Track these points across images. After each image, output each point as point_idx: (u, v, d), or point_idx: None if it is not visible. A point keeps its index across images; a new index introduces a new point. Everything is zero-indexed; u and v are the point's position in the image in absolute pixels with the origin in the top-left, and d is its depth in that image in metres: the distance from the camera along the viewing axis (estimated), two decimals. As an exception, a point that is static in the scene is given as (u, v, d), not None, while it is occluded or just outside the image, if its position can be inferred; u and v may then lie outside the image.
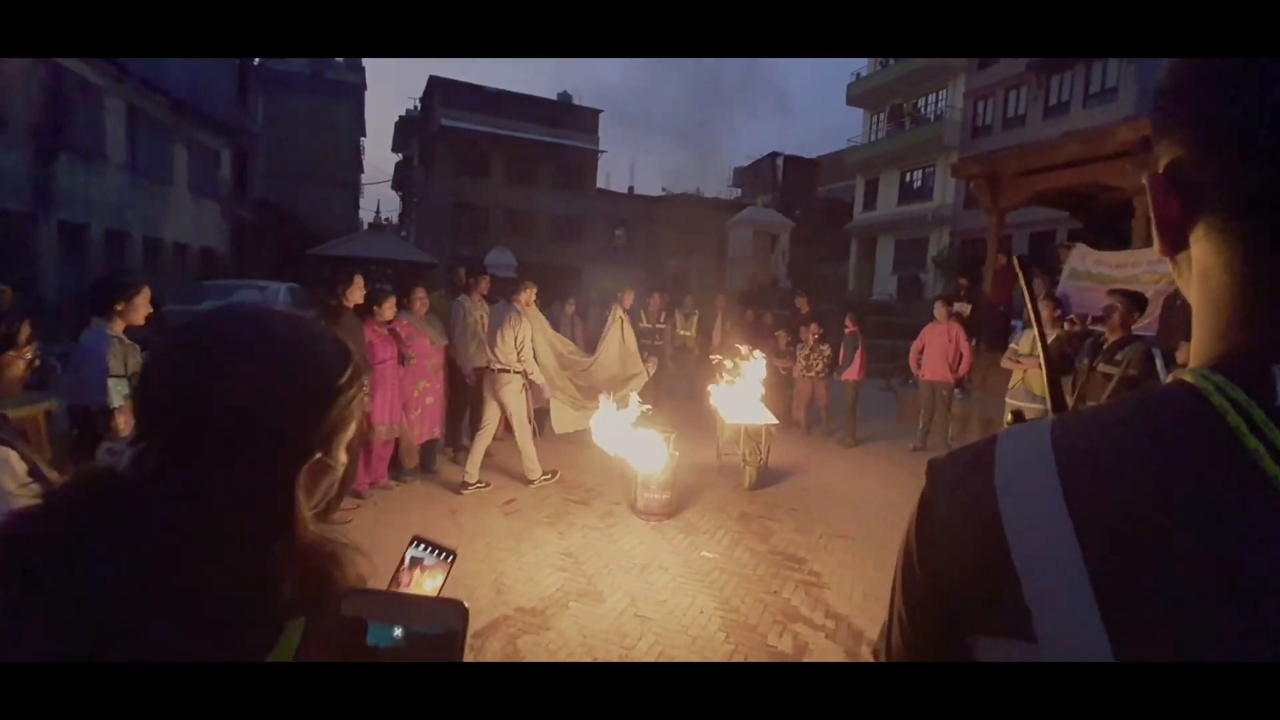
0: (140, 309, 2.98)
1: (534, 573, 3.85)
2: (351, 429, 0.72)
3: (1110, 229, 9.44)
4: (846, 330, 7.75)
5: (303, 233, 22.20)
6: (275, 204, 23.07)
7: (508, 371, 5.22)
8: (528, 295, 5.45)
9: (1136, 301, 3.83)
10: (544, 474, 5.48)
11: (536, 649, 3.08)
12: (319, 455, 0.66)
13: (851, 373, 7.59)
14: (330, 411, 0.66)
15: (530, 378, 5.34)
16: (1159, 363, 3.54)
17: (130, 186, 14.47)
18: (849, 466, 6.72)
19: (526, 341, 5.27)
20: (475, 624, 3.26)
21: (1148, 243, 7.46)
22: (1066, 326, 4.01)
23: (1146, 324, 6.91)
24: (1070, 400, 3.80)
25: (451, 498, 5.05)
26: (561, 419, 5.95)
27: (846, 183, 28.33)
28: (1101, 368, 3.66)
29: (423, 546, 0.79)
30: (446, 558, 0.80)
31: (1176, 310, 6.39)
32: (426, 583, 0.77)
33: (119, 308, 2.96)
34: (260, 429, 0.61)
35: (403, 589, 0.75)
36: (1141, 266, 7.16)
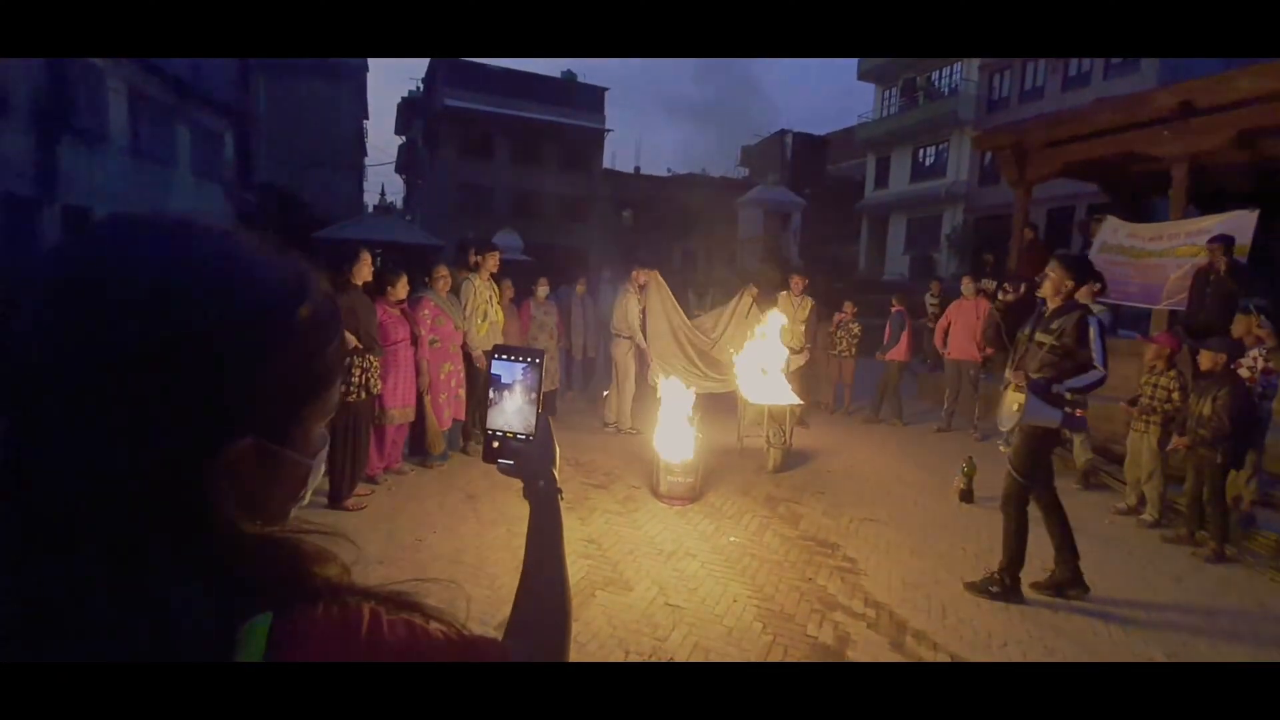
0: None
1: (557, 560, 3.68)
2: (327, 399, 0.51)
3: (1139, 202, 9.12)
4: (893, 309, 7.58)
5: (307, 216, 21.97)
6: (279, 187, 22.82)
7: (619, 336, 6.54)
8: (639, 276, 6.59)
9: (1077, 268, 3.54)
10: (631, 428, 6.53)
11: (564, 641, 2.92)
12: (247, 440, 0.45)
13: (897, 353, 7.42)
14: (263, 367, 0.45)
15: (638, 343, 6.49)
16: (1093, 331, 3.31)
17: (133, 169, 14.26)
18: (873, 448, 6.53)
19: (633, 312, 6.45)
20: (499, 617, 3.10)
21: (1183, 215, 7.22)
22: (1001, 296, 3.75)
23: (1179, 299, 6.67)
24: (1009, 373, 3.61)
25: (469, 483, 4.89)
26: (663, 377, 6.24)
27: (857, 160, 27.81)
28: (1038, 336, 3.48)
29: (503, 358, 0.91)
30: (533, 360, 0.91)
31: (1209, 285, 6.15)
32: (504, 403, 0.90)
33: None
34: (71, 385, 0.41)
35: (491, 406, 0.90)
36: (1178, 239, 6.89)
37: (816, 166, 31.25)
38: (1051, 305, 3.51)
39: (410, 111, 34.90)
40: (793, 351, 6.83)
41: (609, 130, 29.27)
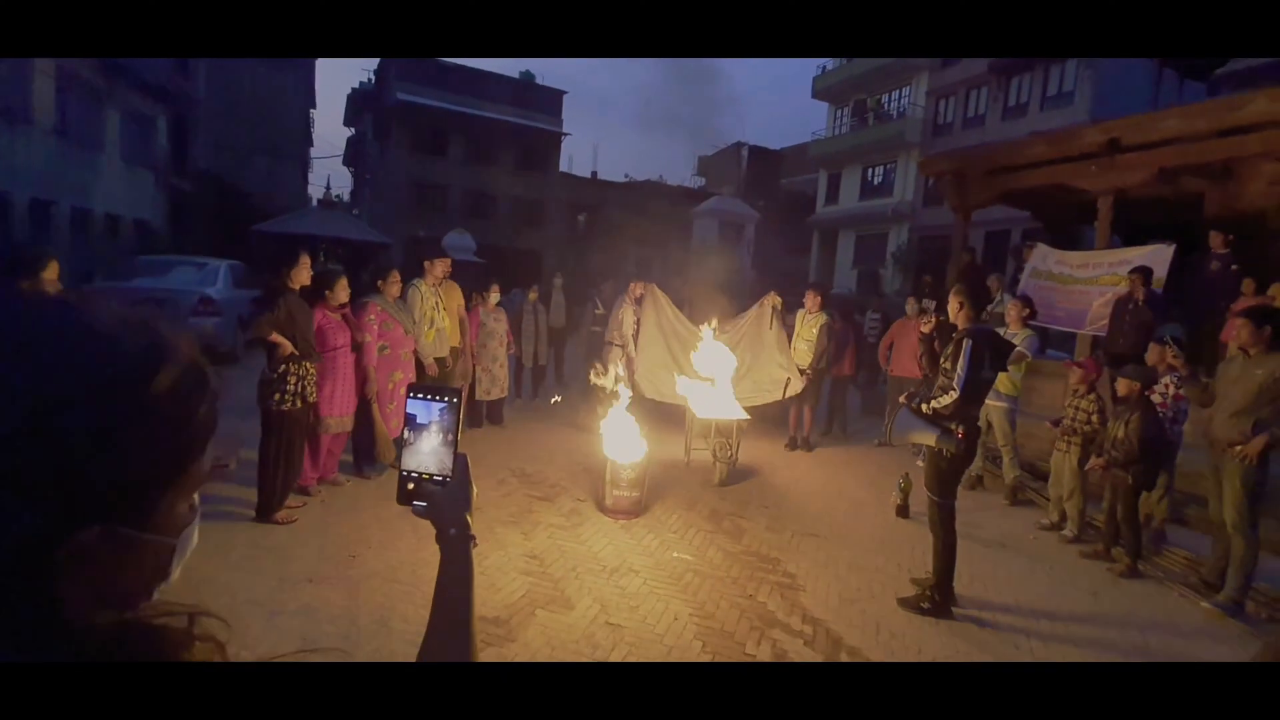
0: (47, 285, 2.61)
1: (496, 577, 3.61)
2: (195, 472, 0.48)
3: (1069, 230, 9.63)
4: (836, 326, 7.73)
5: (247, 208, 21.07)
6: (217, 176, 21.80)
7: (613, 345, 6.81)
8: (636, 289, 6.95)
9: (972, 295, 3.74)
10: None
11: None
12: (94, 530, 0.42)
13: (840, 369, 7.58)
14: (107, 450, 0.42)
15: (628, 352, 6.66)
16: (963, 355, 3.48)
17: (58, 153, 13.41)
18: (816, 462, 6.66)
19: (628, 323, 6.70)
20: (434, 636, 3.02)
21: (1108, 245, 7.65)
22: (925, 329, 3.96)
23: (1101, 325, 7.07)
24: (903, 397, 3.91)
25: (407, 494, 4.74)
26: (649, 388, 6.60)
27: (809, 176, 28.50)
28: (942, 360, 3.69)
29: (419, 397, 0.89)
30: (450, 399, 0.89)
31: (1128, 314, 6.53)
32: (419, 443, 0.88)
33: (24, 284, 2.59)
34: None
35: (406, 447, 0.89)
36: (1103, 268, 7.30)
37: (771, 180, 31.88)
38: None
39: (360, 103, 33.97)
40: (800, 373, 6.69)
41: (566, 134, 29.17)
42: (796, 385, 6.74)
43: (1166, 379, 4.57)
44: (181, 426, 0.46)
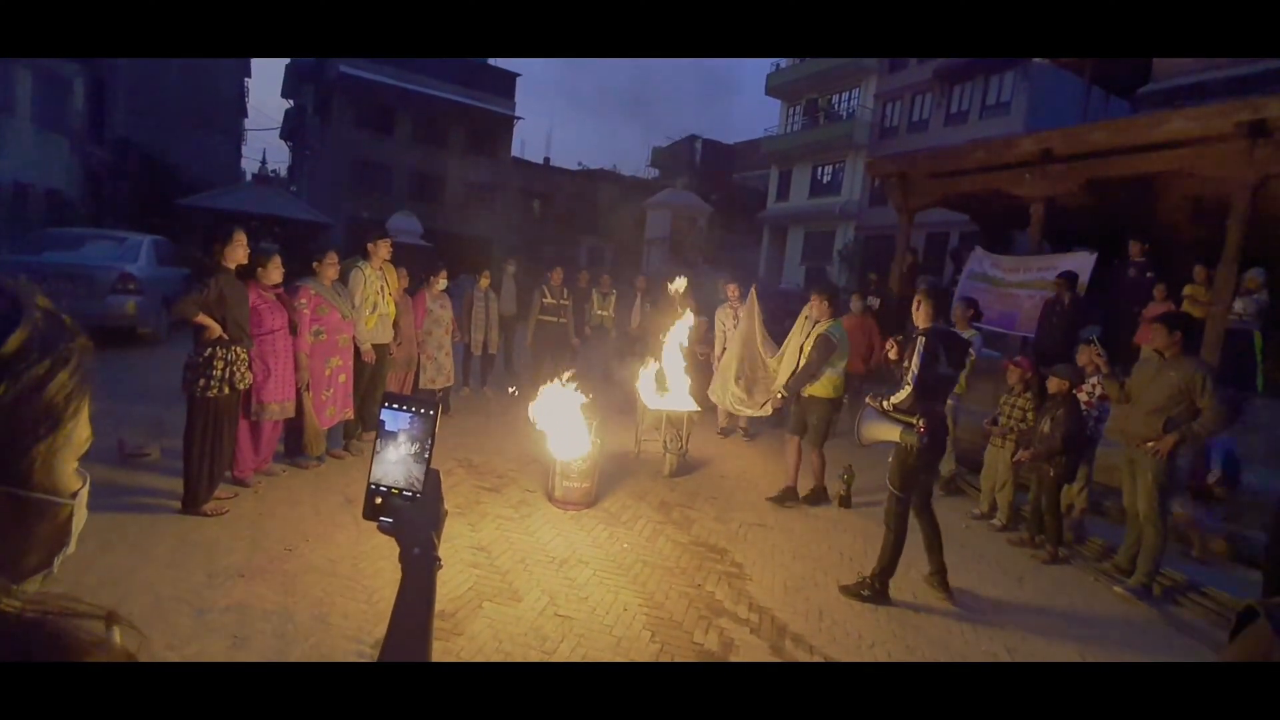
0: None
1: (443, 571, 3.51)
2: (70, 432, 0.48)
3: (1004, 234, 10.08)
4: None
5: (173, 180, 19.86)
6: (139, 145, 20.43)
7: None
8: (735, 290, 7.12)
9: (933, 296, 3.91)
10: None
11: (446, 658, 2.80)
12: None
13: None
14: None
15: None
16: (916, 353, 3.64)
17: (-44, 112, 12.32)
18: (764, 454, 6.78)
19: (727, 322, 6.97)
20: (376, 634, 2.92)
21: (1039, 249, 8.05)
22: (891, 355, 4.06)
23: (1029, 326, 7.45)
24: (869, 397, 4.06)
25: (348, 485, 4.58)
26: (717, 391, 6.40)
27: (761, 172, 28.90)
28: (903, 360, 3.85)
29: (391, 406, 0.85)
30: (422, 410, 0.86)
31: (1055, 316, 6.90)
32: (390, 454, 0.84)
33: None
34: None
35: (375, 456, 0.85)
36: (1032, 272, 7.68)
37: (723, 174, 32.16)
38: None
39: (301, 75, 32.42)
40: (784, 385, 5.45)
41: (519, 117, 28.64)
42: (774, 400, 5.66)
43: (1094, 379, 4.85)
44: (43, 383, 0.45)
